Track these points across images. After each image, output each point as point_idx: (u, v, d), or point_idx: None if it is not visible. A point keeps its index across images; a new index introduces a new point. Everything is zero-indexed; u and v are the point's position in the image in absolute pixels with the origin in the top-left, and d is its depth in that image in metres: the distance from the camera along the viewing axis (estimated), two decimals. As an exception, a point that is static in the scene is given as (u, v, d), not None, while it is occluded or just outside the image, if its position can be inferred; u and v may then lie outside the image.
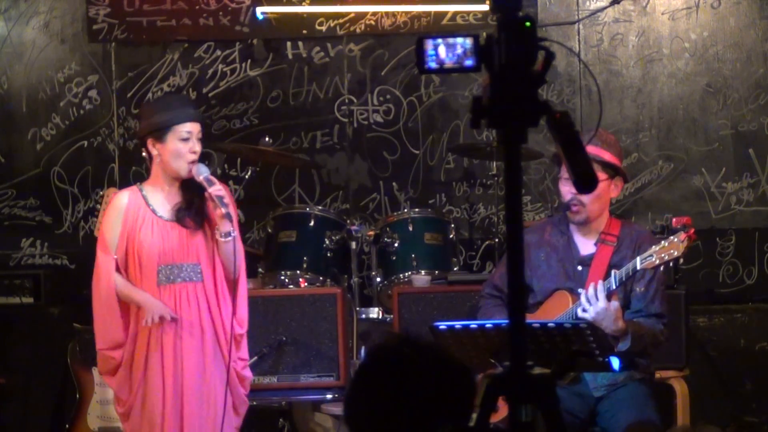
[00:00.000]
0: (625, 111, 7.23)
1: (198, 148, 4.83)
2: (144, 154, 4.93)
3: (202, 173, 4.80)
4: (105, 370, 4.96)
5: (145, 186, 4.97)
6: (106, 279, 4.88)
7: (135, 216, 4.89)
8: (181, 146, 4.82)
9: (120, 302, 4.88)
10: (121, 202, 4.92)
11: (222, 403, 4.85)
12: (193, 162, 4.83)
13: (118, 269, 4.88)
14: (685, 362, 6.00)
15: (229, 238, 4.79)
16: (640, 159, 7.21)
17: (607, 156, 4.89)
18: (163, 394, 4.83)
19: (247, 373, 5.05)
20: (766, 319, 6.71)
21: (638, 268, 4.69)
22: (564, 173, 4.95)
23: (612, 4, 6.90)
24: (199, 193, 4.85)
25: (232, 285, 4.93)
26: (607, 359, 4.40)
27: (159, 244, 4.85)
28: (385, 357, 2.50)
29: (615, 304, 4.70)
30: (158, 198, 4.91)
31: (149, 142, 4.86)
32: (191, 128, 4.83)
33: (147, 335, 4.85)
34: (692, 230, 4.68)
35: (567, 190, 4.94)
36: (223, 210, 4.74)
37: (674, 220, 4.96)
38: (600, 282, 4.72)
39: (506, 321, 2.46)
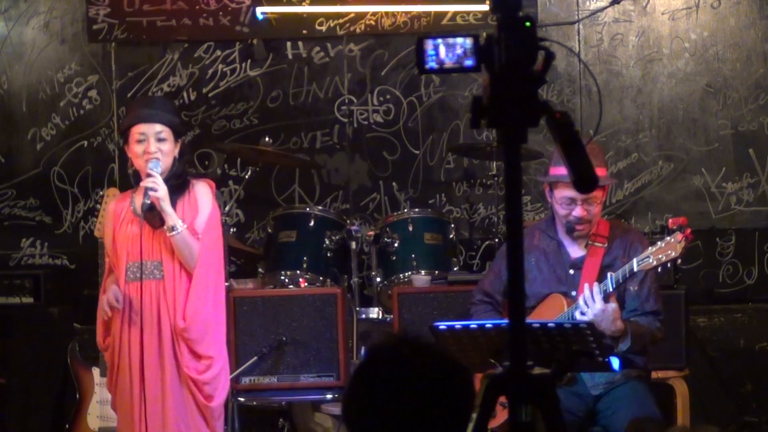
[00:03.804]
0: (625, 111, 7.22)
1: (154, 148, 4.84)
2: None
3: (150, 168, 4.83)
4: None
5: (138, 187, 5.02)
6: (104, 281, 5.01)
7: (118, 217, 4.98)
8: (137, 148, 4.87)
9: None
10: (110, 207, 5.11)
11: (177, 406, 4.81)
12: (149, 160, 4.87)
13: (111, 272, 4.99)
14: (685, 362, 5.99)
15: (173, 233, 4.79)
16: (640, 159, 7.21)
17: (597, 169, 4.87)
18: (130, 394, 4.84)
19: (207, 376, 4.83)
20: (766, 319, 6.70)
21: (635, 269, 4.68)
22: (556, 199, 4.92)
23: (612, 4, 6.90)
24: (172, 192, 4.85)
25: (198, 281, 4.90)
26: (606, 359, 4.40)
27: (128, 242, 4.90)
28: (383, 357, 2.50)
29: (613, 305, 4.70)
30: (139, 198, 4.94)
31: (125, 146, 4.98)
32: (144, 130, 4.85)
33: (117, 334, 4.88)
34: (689, 230, 4.66)
35: (566, 213, 4.91)
36: (146, 200, 4.78)
37: (671, 220, 4.94)
38: (596, 284, 4.72)
39: (506, 321, 2.45)
